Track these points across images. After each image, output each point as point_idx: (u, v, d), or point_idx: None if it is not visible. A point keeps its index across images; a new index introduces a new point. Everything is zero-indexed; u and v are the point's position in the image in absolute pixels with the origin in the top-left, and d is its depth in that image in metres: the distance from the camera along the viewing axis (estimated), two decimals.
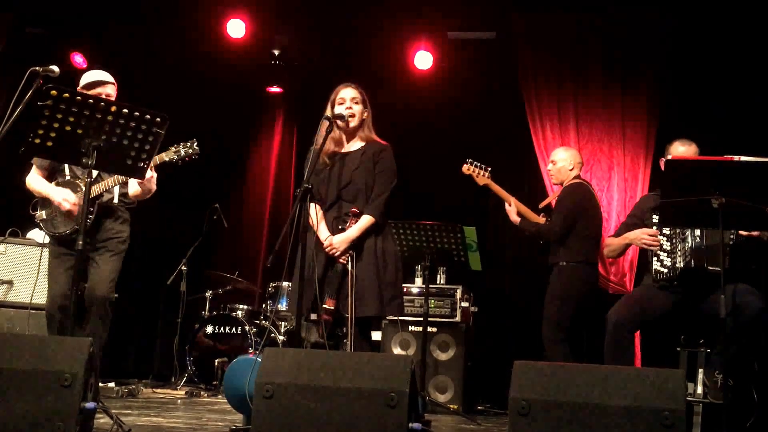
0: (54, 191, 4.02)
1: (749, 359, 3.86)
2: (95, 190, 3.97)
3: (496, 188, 5.14)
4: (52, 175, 4.12)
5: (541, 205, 5.25)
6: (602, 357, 3.99)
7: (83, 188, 3.99)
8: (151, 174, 4.07)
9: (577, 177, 5.02)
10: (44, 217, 4.09)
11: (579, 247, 4.80)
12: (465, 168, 5.18)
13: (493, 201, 6.34)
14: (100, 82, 4.08)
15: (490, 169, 5.16)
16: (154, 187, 4.16)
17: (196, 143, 4.20)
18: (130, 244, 4.17)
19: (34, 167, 4.12)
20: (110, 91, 4.11)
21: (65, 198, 3.97)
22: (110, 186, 4.04)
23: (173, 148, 4.20)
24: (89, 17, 6.57)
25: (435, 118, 6.70)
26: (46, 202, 4.07)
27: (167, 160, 4.16)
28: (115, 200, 4.10)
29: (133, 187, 4.15)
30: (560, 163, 5.03)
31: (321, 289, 3.60)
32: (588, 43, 5.89)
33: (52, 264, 4.07)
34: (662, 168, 4.23)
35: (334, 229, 3.71)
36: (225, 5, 6.56)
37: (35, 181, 4.10)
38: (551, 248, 4.96)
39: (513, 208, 5.04)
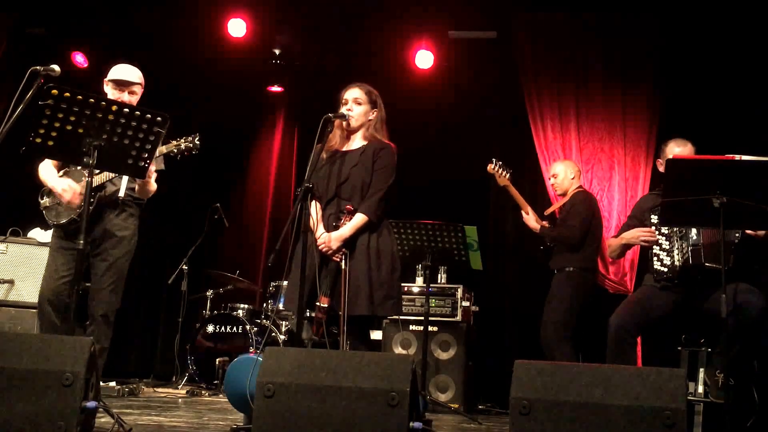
0: (56, 181, 3.94)
1: (750, 359, 3.85)
2: (97, 179, 3.89)
3: (515, 192, 5.15)
4: (65, 164, 4.03)
5: (547, 212, 5.28)
6: (605, 360, 3.99)
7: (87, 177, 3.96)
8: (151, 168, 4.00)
9: (580, 186, 5.16)
10: (47, 204, 4.04)
11: (589, 253, 4.94)
12: (490, 167, 5.16)
13: (493, 200, 6.35)
14: (126, 81, 4.06)
15: (511, 171, 5.16)
16: (153, 187, 4.11)
17: (197, 138, 4.11)
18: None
19: None
20: (136, 90, 4.08)
21: (64, 188, 3.88)
22: (112, 176, 3.95)
23: (174, 141, 4.14)
24: (89, 17, 6.56)
25: (435, 118, 6.69)
26: (52, 191, 4.03)
27: (166, 152, 4.08)
28: (121, 193, 4.00)
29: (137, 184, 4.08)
30: (561, 174, 5.17)
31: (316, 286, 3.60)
32: (588, 43, 5.89)
33: (49, 257, 4.02)
34: (660, 169, 4.24)
35: (329, 225, 3.70)
36: (226, 4, 6.55)
37: (43, 169, 4.03)
38: (555, 253, 5.02)
39: (531, 216, 5.11)
